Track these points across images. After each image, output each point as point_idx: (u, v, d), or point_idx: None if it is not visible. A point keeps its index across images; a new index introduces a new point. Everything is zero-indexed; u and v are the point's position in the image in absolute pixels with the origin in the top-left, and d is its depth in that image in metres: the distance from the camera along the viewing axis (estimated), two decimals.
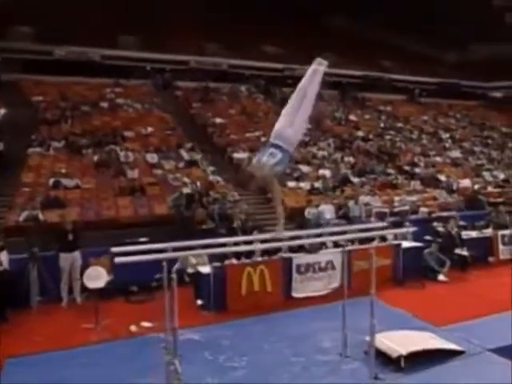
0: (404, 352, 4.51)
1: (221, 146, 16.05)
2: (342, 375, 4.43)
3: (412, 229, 7.19)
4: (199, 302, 7.08)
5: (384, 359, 4.59)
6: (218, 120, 18.43)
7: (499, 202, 13.18)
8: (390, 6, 30.36)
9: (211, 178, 12.58)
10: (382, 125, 22.34)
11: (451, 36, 31.31)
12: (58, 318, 6.71)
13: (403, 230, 7.91)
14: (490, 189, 14.49)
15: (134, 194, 10.74)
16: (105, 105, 17.55)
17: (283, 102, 18.62)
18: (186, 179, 11.91)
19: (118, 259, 3.49)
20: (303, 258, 7.60)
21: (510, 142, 23.03)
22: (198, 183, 11.58)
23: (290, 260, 7.45)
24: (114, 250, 3.73)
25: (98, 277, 6.33)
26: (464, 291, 7.71)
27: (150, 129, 15.78)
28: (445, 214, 10.73)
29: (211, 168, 13.55)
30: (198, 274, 7.19)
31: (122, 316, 6.75)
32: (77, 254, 7.31)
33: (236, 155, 15.09)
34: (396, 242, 8.51)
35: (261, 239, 4.67)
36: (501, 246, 9.67)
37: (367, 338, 4.94)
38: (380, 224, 6.23)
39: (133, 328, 6.19)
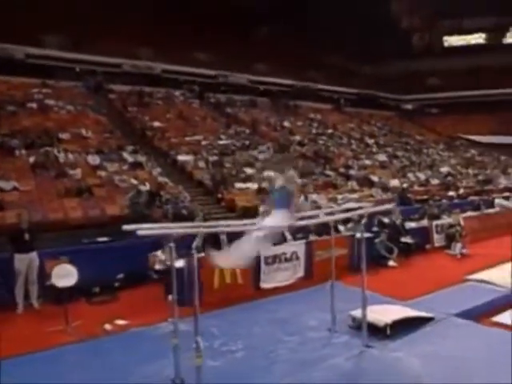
0: (389, 321, 4.91)
1: (162, 149, 15.82)
2: (336, 347, 4.70)
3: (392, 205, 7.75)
4: (171, 297, 6.94)
5: (369, 330, 4.93)
6: (157, 124, 18.16)
7: (425, 199, 14.63)
8: (313, 22, 32.13)
9: (160, 179, 12.36)
10: (314, 131, 23.51)
11: (366, 52, 34.00)
12: (18, 324, 6.19)
13: (390, 206, 8.33)
14: (416, 187, 15.95)
15: (82, 196, 10.21)
16: (33, 105, 16.45)
17: (218, 107, 19.22)
18: (133, 181, 11.62)
19: (140, 232, 3.41)
20: (270, 249, 7.81)
21: (425, 147, 25.50)
22: (148, 184, 11.33)
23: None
24: (126, 227, 3.63)
25: (67, 275, 5.97)
26: (412, 273, 8.49)
27: (86, 131, 15.07)
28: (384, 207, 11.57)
29: (158, 170, 13.31)
30: (169, 268, 7.06)
31: (90, 317, 6.40)
32: (34, 255, 6.80)
33: (180, 158, 15.03)
34: (351, 233, 9.08)
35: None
36: (435, 235, 10.75)
37: (352, 313, 5.32)
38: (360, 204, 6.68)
39: (108, 327, 5.93)
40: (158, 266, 7.43)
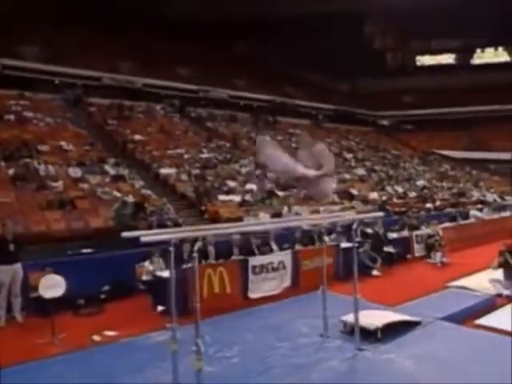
0: (380, 325, 5.03)
1: (145, 162, 15.77)
2: (330, 351, 4.79)
3: (381, 213, 7.89)
4: (160, 308, 6.90)
5: (361, 334, 5.03)
6: (138, 137, 18.10)
7: (403, 211, 15.04)
8: (291, 39, 32.88)
9: (143, 191, 12.30)
10: (294, 145, 23.80)
11: (343, 70, 35.00)
12: (1, 337, 6.01)
13: (379, 213, 8.46)
14: (394, 200, 16.36)
15: (65, 208, 10.05)
16: (11, 117, 16.17)
17: (199, 121, 19.35)
18: (116, 193, 11.54)
19: (143, 238, 3.44)
20: (258, 259, 7.89)
21: (401, 162, 26.22)
22: (131, 196, 11.27)
23: (246, 261, 7.68)
24: (126, 234, 3.65)
25: (55, 285, 5.87)
26: (396, 281, 8.74)
27: (67, 143, 14.89)
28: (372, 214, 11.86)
29: (140, 182, 13.25)
30: (158, 279, 7.04)
31: (77, 329, 6.30)
32: (18, 267, 6.66)
33: (163, 170, 15.01)
34: (335, 243, 9.26)
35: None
36: (415, 245, 11.06)
37: (343, 318, 5.43)
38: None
39: (96, 338, 5.84)
40: (145, 277, 7.38)
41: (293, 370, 4.34)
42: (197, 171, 15.53)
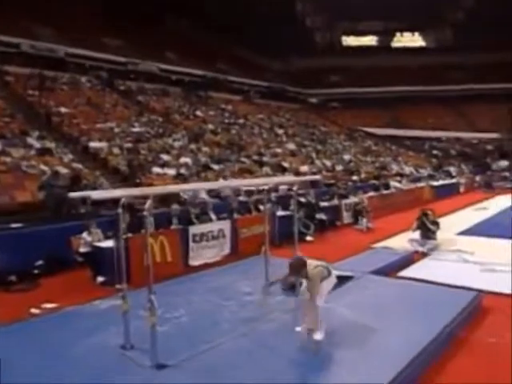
0: None
1: (72, 136, 14.91)
2: (273, 305, 5.08)
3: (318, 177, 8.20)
4: (100, 279, 6.77)
5: None
6: (64, 110, 17.00)
7: (332, 183, 15.85)
8: (224, 16, 32.34)
9: (74, 165, 11.70)
10: (226, 121, 23.85)
11: (275, 48, 35.28)
12: None
13: (316, 176, 8.75)
14: (323, 173, 17.14)
15: None
16: None
17: (128, 95, 18.67)
18: (43, 167, 10.86)
19: (94, 195, 3.38)
20: (198, 227, 7.97)
21: (329, 138, 27.35)
22: (62, 169, 10.69)
23: (186, 230, 7.72)
24: (74, 194, 3.56)
25: None
26: (328, 245, 9.38)
27: None
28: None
29: (70, 156, 12.57)
30: (97, 250, 6.87)
31: (11, 304, 6.00)
32: None
33: (93, 144, 14.32)
34: (271, 212, 9.58)
35: None
36: (344, 213, 11.79)
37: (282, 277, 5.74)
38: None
39: (34, 311, 5.62)
40: (83, 249, 7.15)
41: (240, 323, 4.56)
42: (129, 145, 15.03)
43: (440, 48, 40.37)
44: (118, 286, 4.17)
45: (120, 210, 3.97)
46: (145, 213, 3.89)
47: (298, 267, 4.12)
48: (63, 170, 10.48)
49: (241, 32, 32.85)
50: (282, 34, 34.76)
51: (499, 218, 12.27)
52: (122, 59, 25.09)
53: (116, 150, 14.30)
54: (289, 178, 7.34)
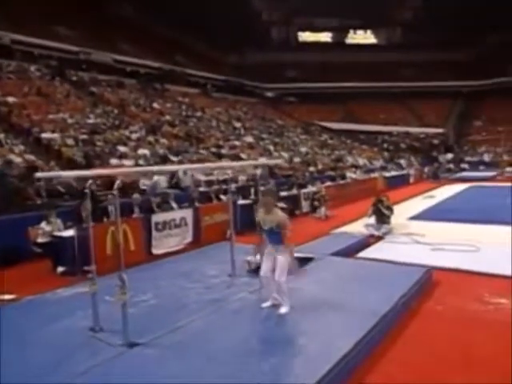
0: None
1: (23, 126, 14.27)
2: (239, 286, 5.23)
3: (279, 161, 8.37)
4: (60, 269, 6.63)
5: None
6: (11, 99, 16.19)
7: (290, 174, 16.20)
8: (180, 8, 31.89)
9: (26, 156, 11.25)
10: (183, 113, 23.65)
11: (232, 42, 35.29)
12: None
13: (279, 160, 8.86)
14: (281, 164, 17.46)
15: None
16: None
17: (81, 85, 18.20)
18: None
19: (64, 174, 3.36)
20: (161, 216, 7.96)
21: (286, 131, 27.81)
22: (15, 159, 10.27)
23: (149, 218, 7.69)
24: (39, 175, 3.52)
25: None
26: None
27: None
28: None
29: (21, 147, 12.05)
30: (57, 239, 6.71)
31: None
32: None
33: (44, 135, 13.80)
34: (233, 199, 9.70)
35: None
36: (303, 202, 12.13)
37: (248, 258, 5.92)
38: None
39: None
40: (41, 239, 6.95)
41: (207, 304, 4.66)
42: (84, 136, 14.60)
43: (391, 46, 42.01)
44: (86, 268, 4.15)
45: (88, 191, 3.95)
46: (114, 192, 3.89)
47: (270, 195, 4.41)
48: (17, 159, 10.07)
49: (197, 25, 32.55)
50: (239, 28, 34.82)
51: (445, 205, 13.12)
52: (74, 48, 24.15)
53: (70, 141, 13.86)
54: (255, 161, 7.50)
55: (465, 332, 4.15)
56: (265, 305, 4.50)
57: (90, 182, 4.01)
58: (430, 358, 3.64)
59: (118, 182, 3.74)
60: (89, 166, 12.35)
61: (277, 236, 4.35)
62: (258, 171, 5.86)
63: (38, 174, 3.62)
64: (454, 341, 3.96)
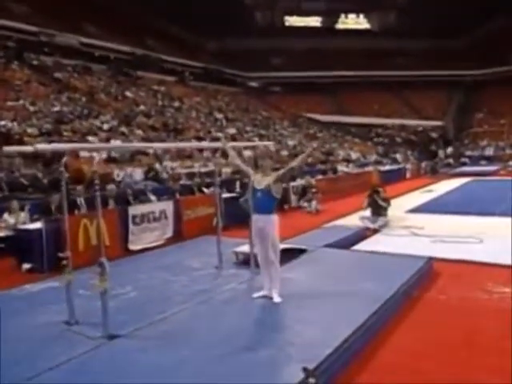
0: None
1: None
2: (227, 277, 5.30)
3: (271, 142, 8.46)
4: (26, 266, 6.56)
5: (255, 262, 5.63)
6: None
7: (277, 167, 16.33)
8: None
9: None
10: (159, 103, 23.59)
11: (212, 27, 35.24)
12: None
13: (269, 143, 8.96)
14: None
15: None
16: None
17: (44, 70, 17.97)
18: None
19: (39, 146, 3.38)
20: (138, 208, 7.96)
21: (272, 123, 27.99)
22: None
23: (125, 211, 7.68)
24: (7, 149, 3.52)
25: None
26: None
27: None
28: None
29: None
30: (22, 233, 6.65)
31: None
32: None
33: (3, 123, 13.61)
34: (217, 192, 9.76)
35: None
36: (292, 196, 12.27)
37: (236, 249, 6.02)
38: None
39: None
40: (2, 233, 6.87)
41: (193, 295, 4.71)
42: (49, 126, 14.47)
43: (385, 31, 42.38)
44: (60, 255, 4.16)
45: (63, 169, 3.97)
46: (93, 170, 3.91)
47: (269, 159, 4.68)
48: None
49: (171, 6, 32.45)
50: (218, 11, 34.76)
51: (445, 198, 13.45)
52: (33, 28, 23.77)
53: (33, 131, 13.70)
54: (244, 143, 7.58)
55: (468, 319, 4.31)
56: (256, 295, 4.57)
57: (65, 158, 4.02)
58: (432, 345, 3.78)
59: (98, 158, 3.75)
60: (55, 158, 12.24)
61: (268, 201, 4.45)
62: (248, 153, 5.90)
63: (7, 148, 3.57)
64: (457, 328, 4.11)
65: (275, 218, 4.48)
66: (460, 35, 39.18)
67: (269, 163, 4.61)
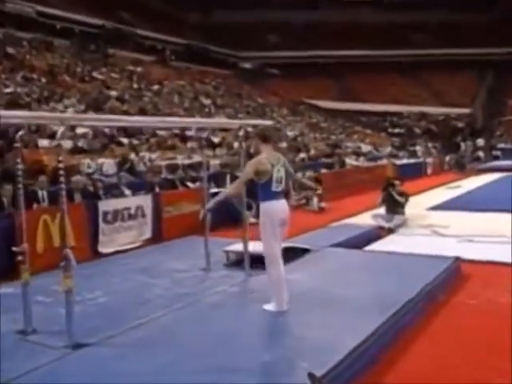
0: None
1: None
2: (217, 280, 5.31)
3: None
4: None
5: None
6: None
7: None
8: None
9: None
10: (135, 86, 23.56)
11: None
12: None
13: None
14: None
15: None
16: None
17: None
18: None
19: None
20: (111, 203, 7.91)
21: (269, 111, 28.06)
22: None
23: (95, 206, 7.61)
24: None
25: None
26: None
27: None
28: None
29: None
30: None
31: None
32: None
33: None
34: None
35: None
36: (293, 192, 12.25)
37: (228, 249, 6.01)
38: None
39: None
40: None
41: (176, 298, 4.69)
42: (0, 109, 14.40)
43: (400, 3, 41.71)
44: (15, 249, 4.12)
45: (19, 145, 3.92)
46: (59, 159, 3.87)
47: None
48: None
49: None
50: None
51: (474, 194, 13.53)
52: None
53: None
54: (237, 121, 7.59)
55: (502, 327, 4.31)
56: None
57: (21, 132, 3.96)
58: (458, 354, 3.78)
59: (61, 130, 3.70)
60: (8, 147, 12.16)
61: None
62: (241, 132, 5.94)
63: None
64: (489, 335, 4.12)
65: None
66: (488, 6, 39.19)
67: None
